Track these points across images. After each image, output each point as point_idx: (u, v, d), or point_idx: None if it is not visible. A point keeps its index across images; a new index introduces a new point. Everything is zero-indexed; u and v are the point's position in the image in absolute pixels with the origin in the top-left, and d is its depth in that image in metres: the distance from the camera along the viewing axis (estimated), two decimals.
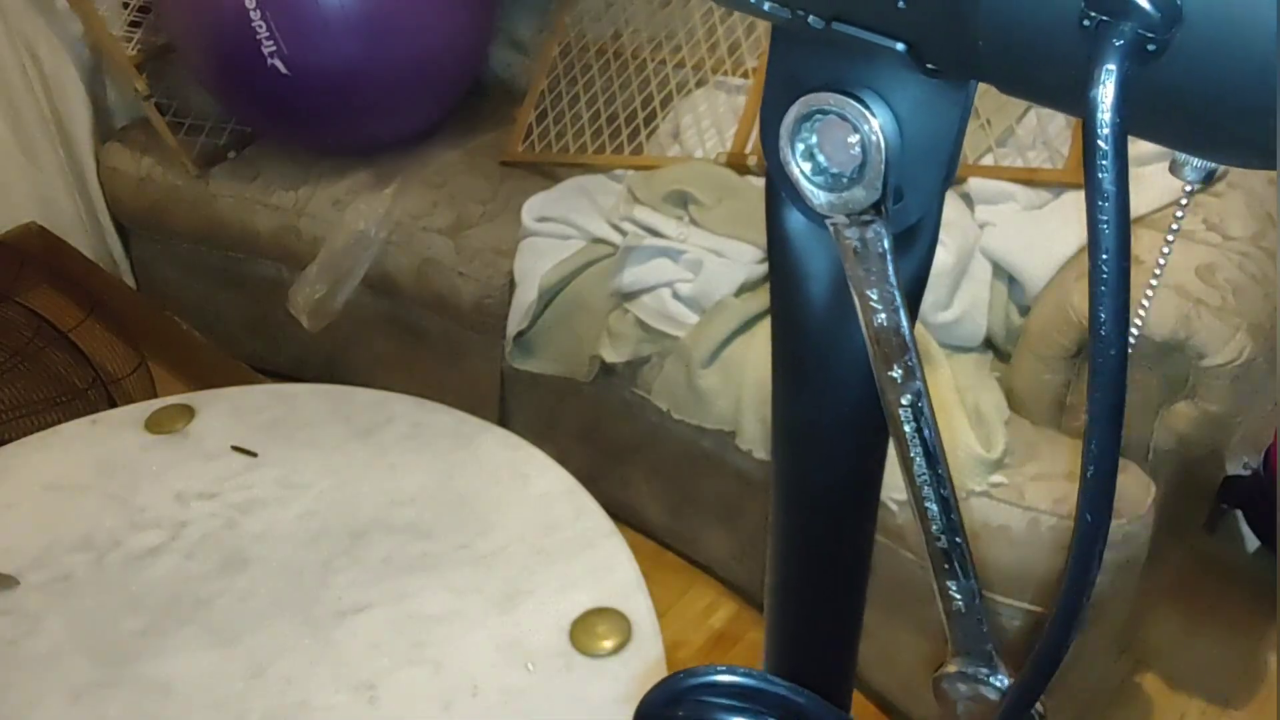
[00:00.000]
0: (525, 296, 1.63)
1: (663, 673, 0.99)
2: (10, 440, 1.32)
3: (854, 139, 0.33)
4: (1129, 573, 1.29)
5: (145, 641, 1.03)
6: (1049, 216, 1.43)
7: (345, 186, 1.90)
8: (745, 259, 1.51)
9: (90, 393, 1.74)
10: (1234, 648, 1.64)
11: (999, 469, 1.28)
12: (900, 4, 0.29)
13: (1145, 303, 0.45)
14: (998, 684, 0.39)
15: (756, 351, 1.45)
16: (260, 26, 1.68)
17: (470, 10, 1.89)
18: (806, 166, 0.34)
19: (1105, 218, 0.26)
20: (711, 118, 1.75)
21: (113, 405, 1.72)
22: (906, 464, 0.37)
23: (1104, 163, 0.25)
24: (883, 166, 0.33)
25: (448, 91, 1.96)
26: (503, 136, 1.96)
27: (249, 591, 1.07)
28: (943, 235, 0.37)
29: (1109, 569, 1.26)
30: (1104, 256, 0.26)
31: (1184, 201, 0.43)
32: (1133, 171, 0.26)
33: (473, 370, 1.82)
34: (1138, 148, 0.28)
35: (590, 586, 1.06)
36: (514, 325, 1.65)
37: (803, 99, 0.34)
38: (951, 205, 1.46)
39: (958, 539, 0.37)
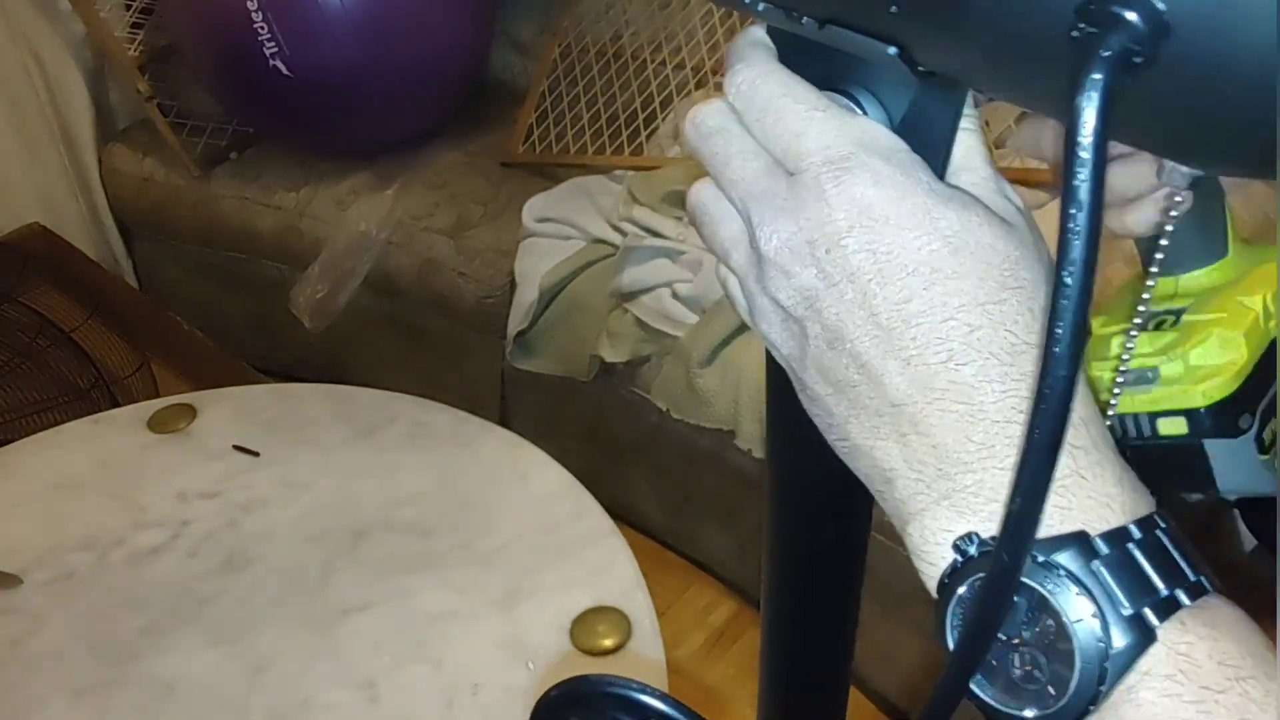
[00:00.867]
0: (526, 296, 1.63)
1: (663, 673, 1.00)
2: (13, 440, 1.32)
3: None
4: None
5: (147, 640, 1.03)
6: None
7: (347, 187, 1.90)
8: None
9: (93, 392, 1.75)
10: None
11: None
12: (892, 9, 0.29)
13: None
14: None
15: (755, 351, 1.45)
16: (262, 28, 1.68)
17: (471, 12, 1.90)
18: None
19: (1076, 227, 0.26)
20: None
21: (115, 405, 1.73)
22: None
23: (1081, 171, 0.25)
24: None
25: (449, 93, 1.97)
26: (503, 137, 1.97)
27: (251, 590, 1.08)
28: None
29: None
30: (1069, 269, 0.26)
31: (1174, 214, 0.44)
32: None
33: (473, 370, 1.82)
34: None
35: (590, 585, 1.07)
36: (514, 325, 1.65)
37: None
38: None
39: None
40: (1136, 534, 0.30)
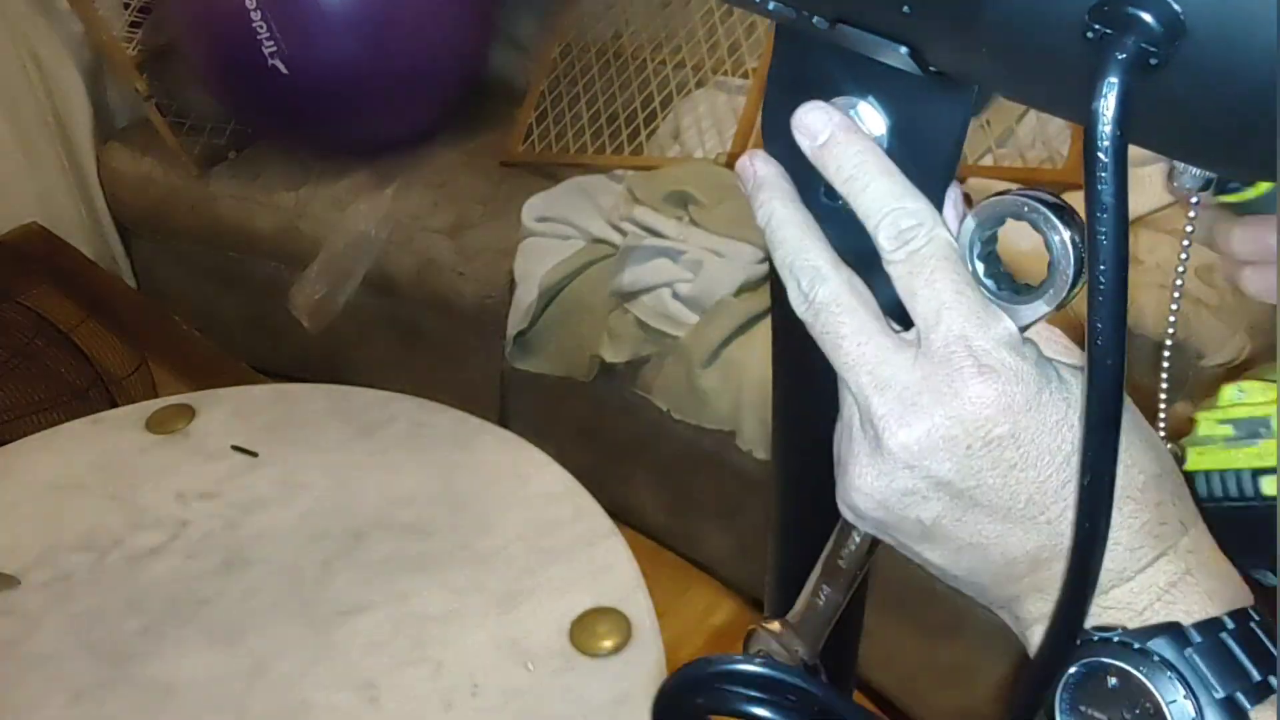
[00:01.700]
0: (525, 296, 1.63)
1: (662, 673, 0.99)
2: (11, 440, 1.32)
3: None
4: None
5: (146, 641, 1.03)
6: None
7: (345, 187, 1.90)
8: (745, 259, 1.51)
9: (91, 393, 1.74)
10: None
11: None
12: (905, 9, 0.29)
13: (1172, 308, 0.46)
14: (804, 657, 0.40)
15: (756, 351, 1.45)
16: (261, 27, 1.68)
17: (470, 10, 1.89)
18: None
19: (1104, 229, 0.26)
20: (711, 118, 1.75)
21: (113, 405, 1.72)
22: None
23: (1104, 175, 0.25)
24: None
25: (448, 92, 1.96)
26: (503, 137, 1.96)
27: (250, 591, 1.08)
28: None
29: None
30: (1102, 267, 0.26)
31: (1192, 214, 0.44)
32: (1133, 172, 0.26)
33: (473, 370, 1.82)
34: (1136, 151, 0.28)
35: (590, 586, 1.06)
36: (514, 325, 1.65)
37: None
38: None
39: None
40: (1230, 624, 0.33)
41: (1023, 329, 0.33)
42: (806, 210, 0.35)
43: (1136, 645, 0.32)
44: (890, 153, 0.34)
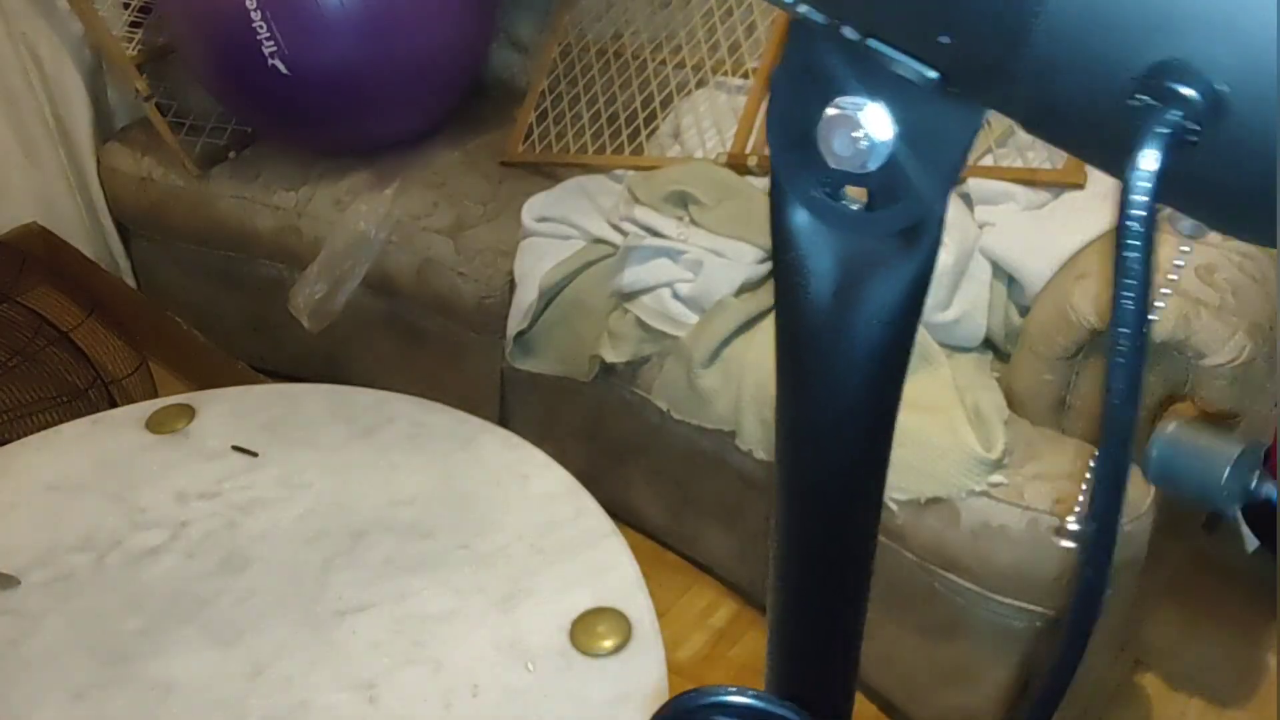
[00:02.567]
0: (525, 296, 1.63)
1: (663, 672, 0.99)
2: (11, 440, 1.32)
3: (859, 134, 0.34)
4: (1129, 573, 1.29)
5: (146, 641, 1.03)
6: (1049, 217, 1.43)
7: (346, 187, 1.90)
8: (745, 259, 1.51)
9: (91, 393, 1.74)
10: (1233, 648, 1.65)
11: (999, 469, 1.28)
12: (943, 39, 0.29)
13: (1158, 304, 0.46)
14: None
15: (756, 351, 1.45)
16: (261, 27, 1.68)
17: (470, 10, 1.89)
18: None
19: (1130, 295, 0.26)
20: (711, 118, 1.75)
21: (113, 405, 1.72)
22: None
23: (1134, 243, 0.25)
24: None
25: (448, 92, 1.96)
26: (503, 136, 1.96)
27: (249, 591, 1.08)
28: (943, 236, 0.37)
29: (1110, 570, 1.26)
30: (1124, 330, 0.27)
31: (1181, 256, 0.44)
32: None
33: (473, 370, 1.82)
34: None
35: (590, 586, 1.06)
36: (514, 325, 1.65)
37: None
38: (952, 205, 1.45)
39: None
40: None
41: None
42: None
43: None
44: (896, 156, 0.33)
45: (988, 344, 1.46)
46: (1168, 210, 0.34)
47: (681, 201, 1.59)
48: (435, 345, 1.86)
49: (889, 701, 1.51)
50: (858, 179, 0.35)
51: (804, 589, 0.45)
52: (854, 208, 0.36)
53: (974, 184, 1.48)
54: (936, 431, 1.29)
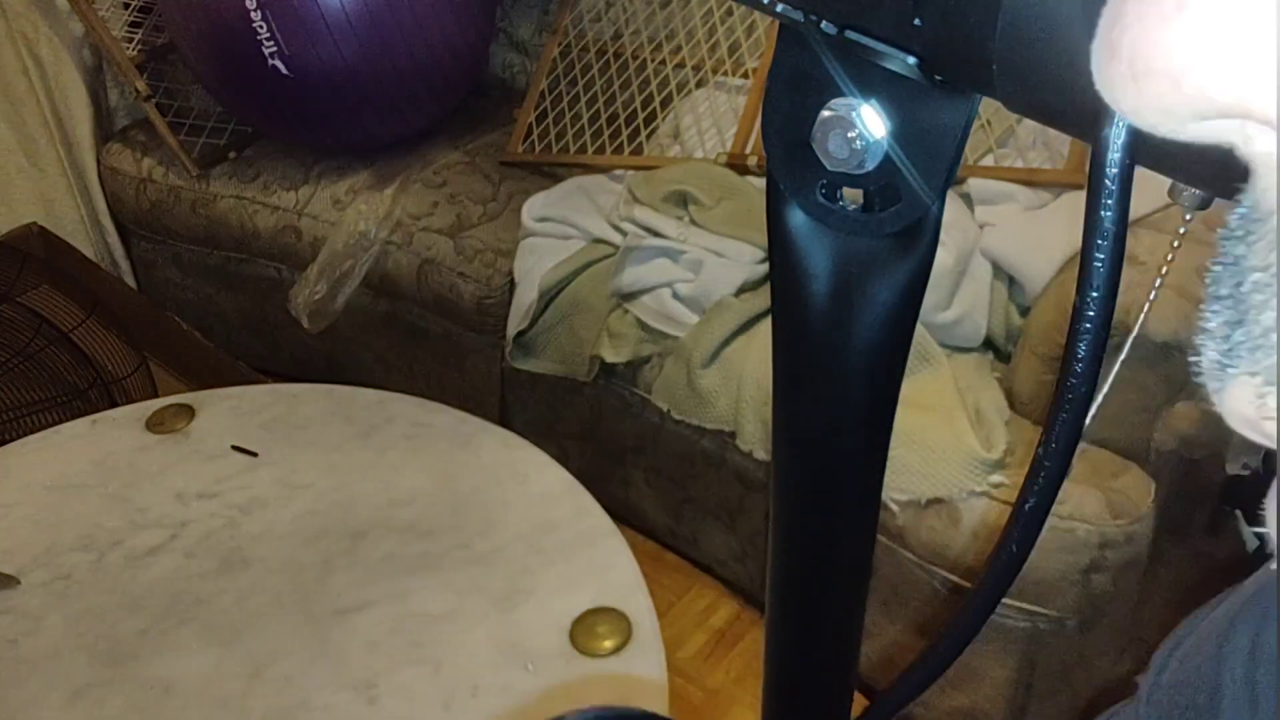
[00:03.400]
0: (525, 296, 1.63)
1: (663, 673, 0.99)
2: (11, 440, 1.32)
3: (854, 134, 0.34)
4: (1130, 573, 1.29)
5: (145, 641, 1.03)
6: (1049, 217, 1.43)
7: (345, 187, 1.90)
8: (745, 259, 1.51)
9: (91, 393, 1.74)
10: None
11: (999, 469, 1.28)
12: (916, 21, 0.29)
13: (1146, 305, 0.46)
14: None
15: (756, 352, 1.45)
16: (261, 27, 1.68)
17: (470, 10, 1.89)
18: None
19: (1101, 256, 0.26)
20: (711, 118, 1.75)
21: (113, 405, 1.72)
22: None
23: (1108, 201, 0.25)
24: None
25: (448, 92, 1.96)
26: (503, 136, 1.96)
27: (249, 591, 1.07)
28: (943, 235, 0.37)
29: (1111, 570, 1.26)
30: (1093, 294, 0.26)
31: (1181, 230, 0.43)
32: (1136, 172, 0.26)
33: (473, 370, 1.82)
34: None
35: (590, 586, 1.06)
36: (514, 325, 1.65)
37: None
38: (951, 205, 1.46)
39: None
40: None
41: None
42: None
43: None
44: (892, 155, 0.34)
45: (988, 344, 1.46)
46: (1169, 183, 0.34)
47: (681, 201, 1.59)
48: (435, 345, 1.86)
49: None
50: (855, 180, 0.35)
51: (802, 589, 0.45)
52: (851, 208, 0.36)
53: (974, 184, 1.48)
54: (937, 432, 1.29)
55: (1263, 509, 0.21)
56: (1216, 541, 1.80)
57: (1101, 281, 0.26)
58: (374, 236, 1.78)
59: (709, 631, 1.66)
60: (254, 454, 1.23)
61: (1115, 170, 0.25)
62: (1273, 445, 0.19)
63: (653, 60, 1.86)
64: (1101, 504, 1.24)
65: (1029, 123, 1.53)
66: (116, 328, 1.89)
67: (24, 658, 1.02)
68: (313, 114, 1.83)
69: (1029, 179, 1.46)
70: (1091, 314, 0.27)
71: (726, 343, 1.46)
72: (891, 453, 0.42)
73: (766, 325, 1.52)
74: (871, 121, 0.34)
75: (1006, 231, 1.43)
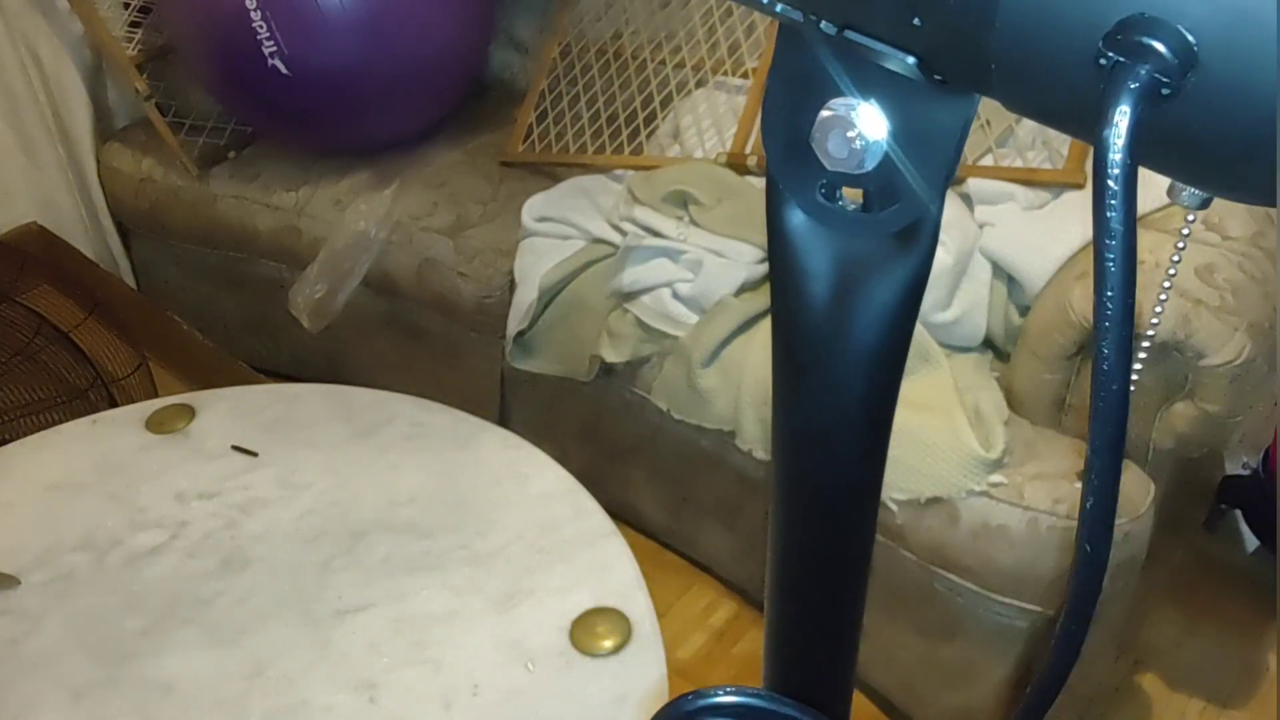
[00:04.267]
0: (525, 296, 1.63)
1: (663, 672, 0.99)
2: (11, 440, 1.32)
3: (853, 134, 0.34)
4: (1128, 572, 1.29)
5: (146, 641, 1.03)
6: (1049, 216, 1.43)
7: (345, 186, 1.90)
8: (745, 259, 1.51)
9: (91, 393, 1.74)
10: (1233, 648, 1.65)
11: (998, 469, 1.28)
12: (915, 21, 0.29)
13: (1158, 308, 0.46)
14: None
15: (756, 351, 1.45)
16: (261, 27, 1.68)
17: (470, 10, 1.89)
18: None
19: (1112, 256, 0.26)
20: (711, 118, 1.75)
21: (113, 405, 1.72)
22: None
23: (1113, 202, 0.25)
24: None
25: (448, 91, 1.96)
26: (503, 136, 1.96)
27: (249, 591, 1.08)
28: (942, 235, 0.37)
29: (1109, 569, 1.26)
30: (1109, 293, 0.26)
31: (1185, 231, 0.43)
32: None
33: (473, 370, 1.82)
34: None
35: (590, 586, 1.06)
36: (514, 325, 1.65)
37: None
38: (951, 205, 1.46)
39: None
40: None
41: None
42: None
43: None
44: (891, 154, 0.34)
45: (988, 344, 1.46)
46: (1169, 182, 0.34)
47: (681, 201, 1.59)
48: (435, 345, 1.86)
49: (889, 701, 1.51)
50: (854, 180, 0.35)
51: (801, 589, 0.45)
52: (850, 208, 0.37)
53: (974, 184, 1.48)
54: (936, 431, 1.29)
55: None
56: (1214, 541, 1.80)
57: (1116, 284, 0.26)
58: (374, 236, 1.78)
59: (708, 631, 1.66)
60: (254, 454, 1.23)
61: (1117, 171, 0.25)
62: None
63: (653, 60, 1.86)
64: None
65: (1029, 123, 1.53)
66: (116, 328, 1.89)
67: (24, 658, 1.02)
68: (313, 114, 1.83)
69: (1028, 179, 1.46)
70: (1110, 310, 0.27)
71: (726, 342, 1.46)
72: (891, 452, 0.42)
73: (766, 325, 1.52)
74: (871, 121, 0.34)
75: (1006, 231, 1.43)
